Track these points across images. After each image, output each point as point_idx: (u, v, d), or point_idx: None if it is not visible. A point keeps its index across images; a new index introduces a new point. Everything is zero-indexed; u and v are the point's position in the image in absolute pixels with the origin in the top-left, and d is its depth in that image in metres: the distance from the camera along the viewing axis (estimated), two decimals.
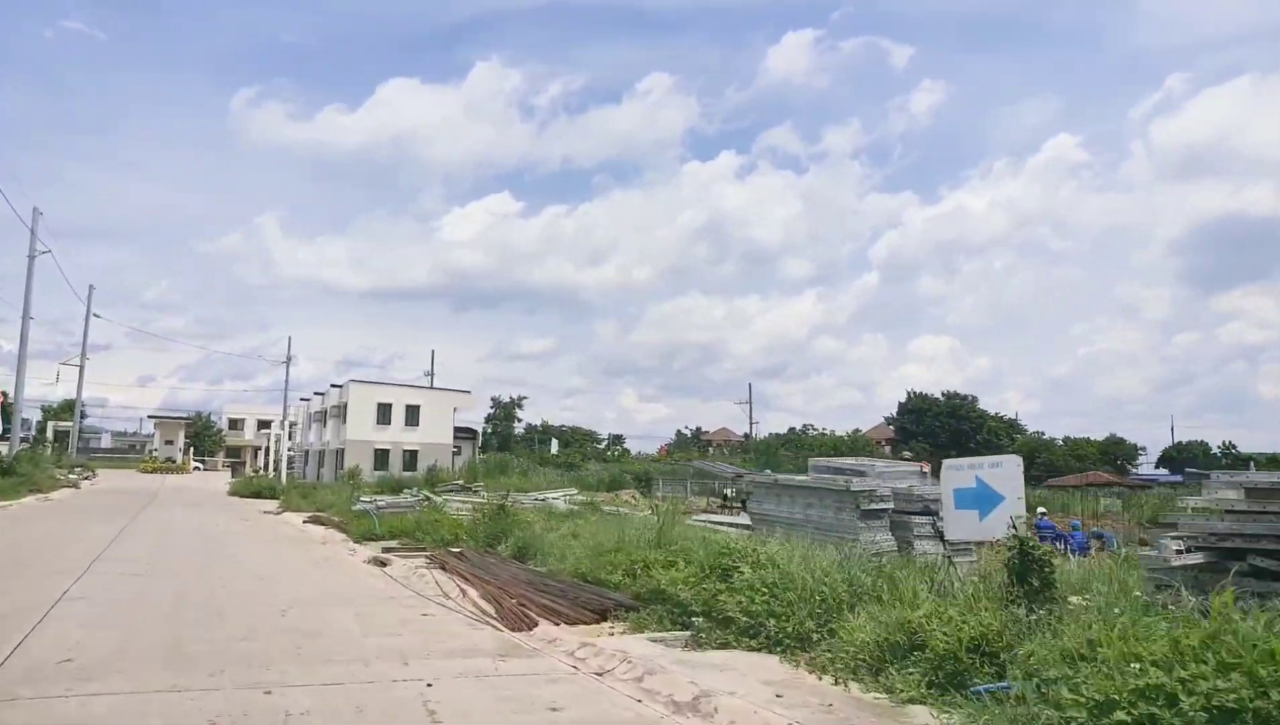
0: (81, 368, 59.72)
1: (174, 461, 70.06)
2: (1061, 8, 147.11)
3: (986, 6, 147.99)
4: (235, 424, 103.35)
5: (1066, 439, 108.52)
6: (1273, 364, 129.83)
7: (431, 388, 52.61)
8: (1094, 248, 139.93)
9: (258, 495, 41.93)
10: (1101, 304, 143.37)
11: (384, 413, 50.92)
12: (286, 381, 77.81)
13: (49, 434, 76.23)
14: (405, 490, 36.61)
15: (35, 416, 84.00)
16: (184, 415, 78.48)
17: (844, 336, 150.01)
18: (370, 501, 24.86)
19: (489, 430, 75.09)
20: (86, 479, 52.75)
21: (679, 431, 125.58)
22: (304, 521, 24.41)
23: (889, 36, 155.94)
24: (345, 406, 51.21)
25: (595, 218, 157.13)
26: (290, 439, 63.10)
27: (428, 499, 25.98)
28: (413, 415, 51.56)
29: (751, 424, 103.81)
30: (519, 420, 75.26)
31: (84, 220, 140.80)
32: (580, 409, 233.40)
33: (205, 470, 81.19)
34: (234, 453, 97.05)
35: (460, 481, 39.00)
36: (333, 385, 53.28)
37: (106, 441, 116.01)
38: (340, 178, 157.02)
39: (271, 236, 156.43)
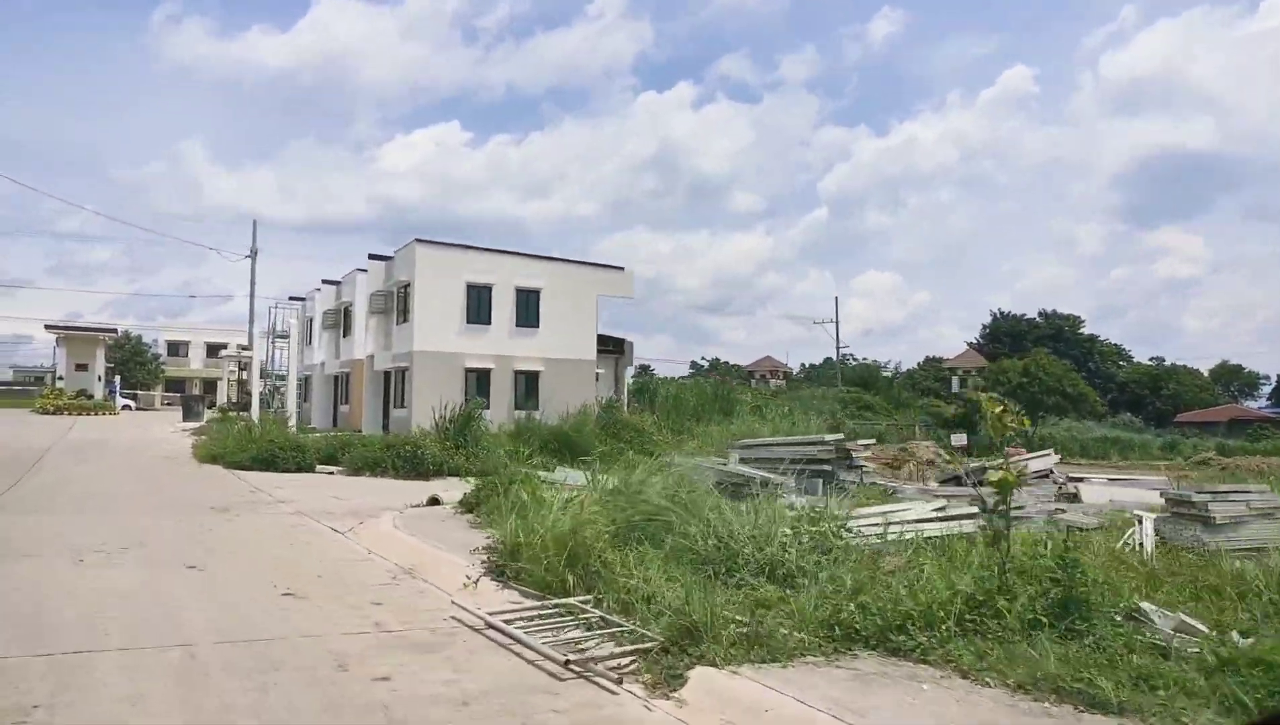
0: None
1: (90, 395, 45.56)
2: None
3: None
4: (176, 349, 78.00)
5: (1173, 367, 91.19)
6: (1199, 298, 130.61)
7: (562, 259, 29.42)
8: (1036, 181, 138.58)
9: (268, 464, 18.92)
10: (1040, 237, 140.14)
11: (479, 301, 27.72)
12: (253, 278, 53.69)
13: None
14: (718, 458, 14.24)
15: None
16: (102, 327, 53.35)
17: (790, 271, 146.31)
18: None
19: None
20: None
21: (693, 362, 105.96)
22: None
23: None
24: (406, 290, 27.80)
25: (541, 148, 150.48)
26: (267, 360, 39.47)
27: None
28: (529, 307, 28.48)
29: (839, 350, 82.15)
30: None
31: None
32: None
33: (138, 409, 56.52)
34: (175, 386, 72.10)
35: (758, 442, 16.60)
36: (373, 256, 29.78)
37: (4, 374, 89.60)
38: (268, 102, 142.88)
39: (196, 165, 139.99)
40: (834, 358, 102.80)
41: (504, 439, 21.61)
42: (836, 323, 76.38)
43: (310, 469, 19.37)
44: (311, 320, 38.59)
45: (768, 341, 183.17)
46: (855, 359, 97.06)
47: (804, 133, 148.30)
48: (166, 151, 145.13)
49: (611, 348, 31.72)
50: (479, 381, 27.51)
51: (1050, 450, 16.80)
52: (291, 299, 40.37)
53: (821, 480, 13.67)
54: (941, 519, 8.52)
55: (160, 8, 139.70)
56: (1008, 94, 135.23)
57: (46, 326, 49.36)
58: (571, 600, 5.96)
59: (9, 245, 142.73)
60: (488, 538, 8.74)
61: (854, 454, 14.82)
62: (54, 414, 39.79)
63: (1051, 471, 16.14)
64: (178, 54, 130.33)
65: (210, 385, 68.16)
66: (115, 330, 55.89)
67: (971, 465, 16.03)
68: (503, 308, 28.10)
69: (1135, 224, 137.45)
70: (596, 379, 30.28)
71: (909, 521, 8.24)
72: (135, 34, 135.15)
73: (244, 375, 50.65)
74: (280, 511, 12.25)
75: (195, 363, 77.08)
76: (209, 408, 46.56)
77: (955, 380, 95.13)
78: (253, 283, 53.57)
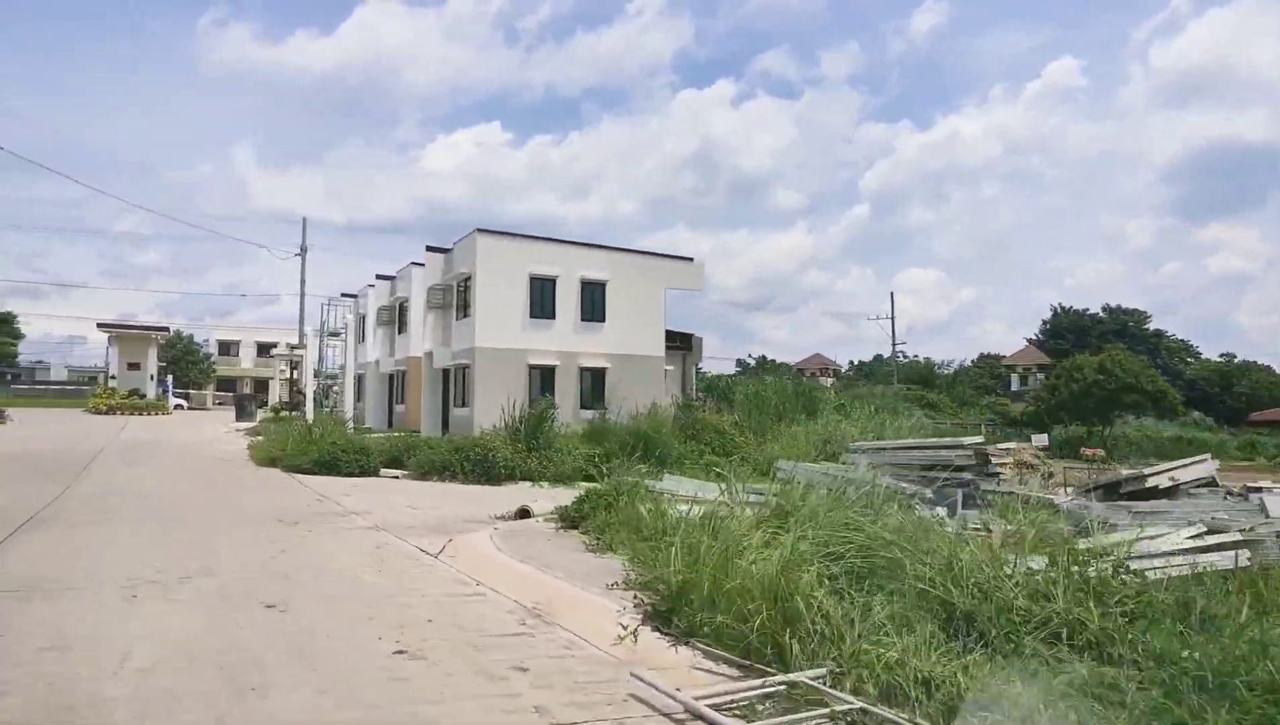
0: None
1: (143, 395, 45.16)
2: None
3: None
4: (227, 348, 78.06)
5: (1244, 363, 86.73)
6: (1254, 293, 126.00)
7: (628, 250, 27.86)
8: (1083, 176, 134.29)
9: (330, 467, 17.67)
10: (1088, 232, 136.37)
11: (543, 294, 26.22)
12: (303, 276, 52.92)
13: None
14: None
15: None
16: (154, 325, 53.05)
17: (832, 269, 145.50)
18: None
19: None
20: None
21: (739, 360, 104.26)
22: None
23: None
24: (466, 283, 26.44)
25: (581, 147, 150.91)
26: (319, 358, 38.35)
27: None
28: (594, 300, 26.93)
29: (895, 347, 79.43)
30: None
31: (35, 152, 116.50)
32: None
33: (191, 408, 56.30)
34: (226, 385, 72.11)
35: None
36: (431, 248, 28.46)
37: (59, 373, 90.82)
38: (312, 105, 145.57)
39: (243, 167, 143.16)
40: (883, 355, 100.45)
41: (575, 440, 20.02)
42: (892, 319, 73.90)
43: (374, 473, 18.03)
44: (364, 317, 37.52)
45: (810, 340, 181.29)
46: (905, 356, 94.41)
47: (845, 129, 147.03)
48: (214, 154, 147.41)
49: (678, 343, 30.03)
50: (543, 379, 26.02)
51: (1208, 456, 14.68)
52: (344, 295, 39.34)
53: (961, 491, 11.85)
54: (1203, 550, 6.65)
55: (207, 13, 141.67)
56: (1054, 87, 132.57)
57: (99, 325, 49.17)
58: (801, 677, 4.25)
59: (63, 247, 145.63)
60: (622, 567, 7.09)
61: (992, 460, 12.94)
62: (107, 414, 39.31)
63: (1214, 479, 14.07)
64: (224, 58, 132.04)
65: (261, 384, 67.93)
66: (167, 329, 55.68)
67: (1125, 473, 14.02)
68: (567, 301, 26.57)
69: (1187, 218, 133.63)
70: (665, 376, 28.64)
71: (1169, 553, 6.39)
72: (182, 39, 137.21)
73: (295, 374, 50.08)
74: (355, 525, 10.76)
75: (246, 362, 77.12)
76: (261, 407, 45.89)
77: (1015, 377, 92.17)
78: (303, 280, 52.95)
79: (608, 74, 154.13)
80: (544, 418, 19.42)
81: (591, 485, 10.79)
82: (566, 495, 15.72)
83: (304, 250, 54.88)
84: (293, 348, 48.06)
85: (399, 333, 33.41)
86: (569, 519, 10.30)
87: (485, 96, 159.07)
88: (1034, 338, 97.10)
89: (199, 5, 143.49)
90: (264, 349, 73.77)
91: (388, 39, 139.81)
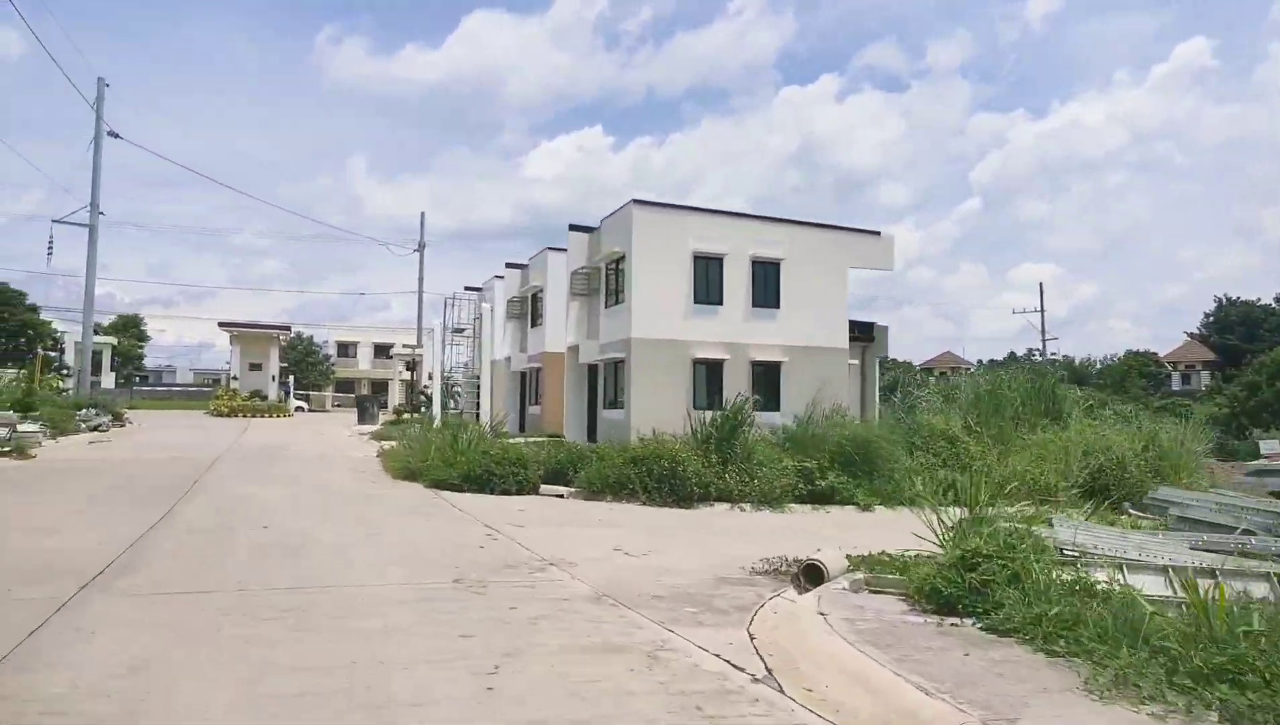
0: (94, 226, 32.89)
1: (264, 396, 43.65)
2: None
3: None
4: (345, 350, 77.45)
5: None
6: None
7: (805, 222, 23.48)
8: (1215, 162, 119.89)
9: (480, 483, 14.16)
10: (1220, 222, 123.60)
11: (708, 276, 22.19)
12: (421, 274, 50.75)
13: (103, 360, 50.42)
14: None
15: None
16: (275, 324, 51.83)
17: (940, 265, 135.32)
18: None
19: None
20: (97, 430, 26.40)
21: None
22: None
23: None
24: (618, 265, 22.71)
25: (682, 148, 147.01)
26: (441, 356, 35.38)
27: None
28: (767, 282, 22.71)
29: (1044, 341, 72.38)
30: None
31: (160, 167, 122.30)
32: None
33: (310, 410, 55.05)
34: (345, 386, 71.29)
35: None
36: (574, 227, 24.89)
37: (185, 376, 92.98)
38: (421, 116, 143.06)
39: (356, 178, 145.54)
40: (1016, 352, 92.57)
41: (773, 450, 15.89)
42: (1041, 312, 66.87)
43: (533, 490, 14.39)
44: (491, 310, 34.43)
45: (914, 338, 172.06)
46: (1040, 354, 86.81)
47: (955, 120, 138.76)
48: (328, 166, 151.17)
49: (857, 334, 25.45)
50: (709, 375, 22.00)
51: None
52: (468, 289, 36.42)
53: None
54: None
55: (323, 31, 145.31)
56: (1183, 69, 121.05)
57: (220, 324, 48.19)
58: None
59: (192, 258, 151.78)
60: None
61: None
62: (228, 416, 37.62)
63: None
64: (339, 74, 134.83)
65: (379, 385, 66.69)
66: (288, 328, 54.59)
67: None
68: (736, 284, 22.46)
69: None
70: (848, 372, 24.19)
71: None
72: (302, 56, 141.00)
73: (413, 375, 47.86)
74: (568, 591, 6.91)
75: (363, 363, 76.34)
76: (381, 409, 43.73)
77: (1176, 376, 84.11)
78: (420, 277, 50.94)
79: (708, 74, 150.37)
80: (740, 422, 15.42)
81: (974, 543, 6.58)
82: (788, 524, 11.78)
83: (422, 246, 53.02)
84: (412, 348, 45.79)
85: (532, 326, 30.08)
86: (935, 596, 6.14)
87: (587, 101, 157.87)
88: (1196, 332, 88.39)
89: (317, 22, 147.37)
90: (381, 350, 72.73)
91: (492, 49, 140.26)
